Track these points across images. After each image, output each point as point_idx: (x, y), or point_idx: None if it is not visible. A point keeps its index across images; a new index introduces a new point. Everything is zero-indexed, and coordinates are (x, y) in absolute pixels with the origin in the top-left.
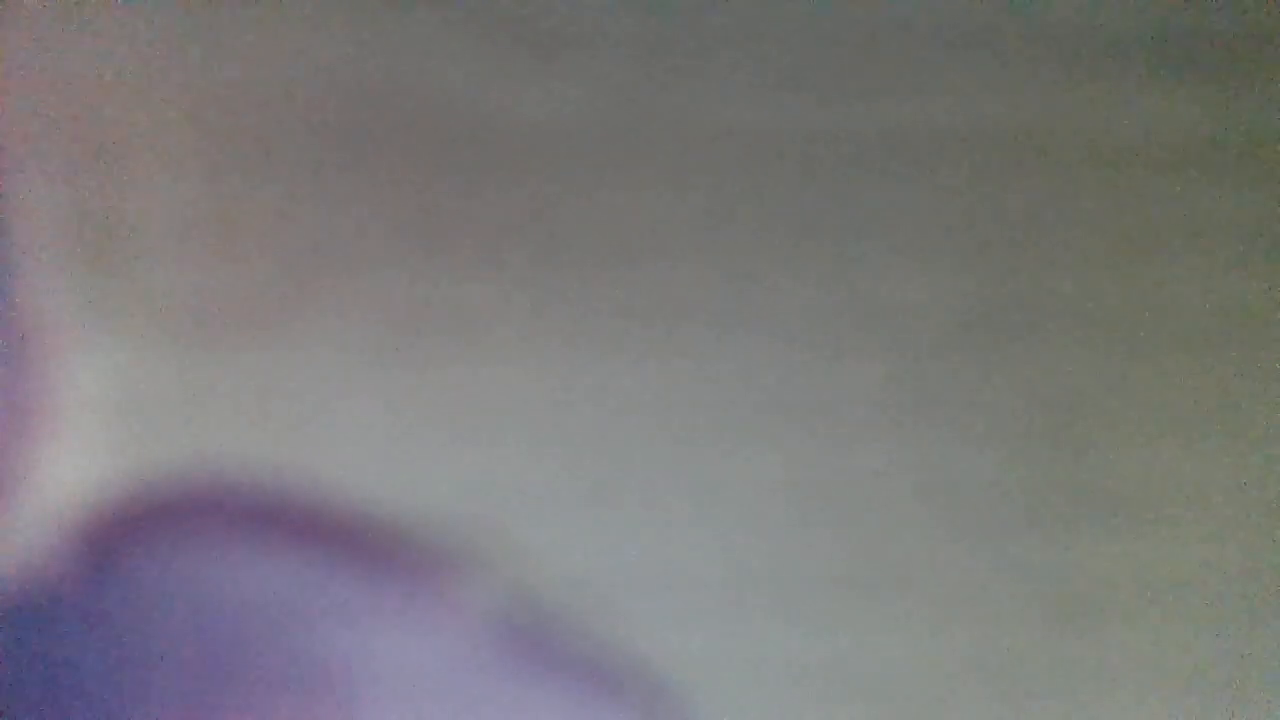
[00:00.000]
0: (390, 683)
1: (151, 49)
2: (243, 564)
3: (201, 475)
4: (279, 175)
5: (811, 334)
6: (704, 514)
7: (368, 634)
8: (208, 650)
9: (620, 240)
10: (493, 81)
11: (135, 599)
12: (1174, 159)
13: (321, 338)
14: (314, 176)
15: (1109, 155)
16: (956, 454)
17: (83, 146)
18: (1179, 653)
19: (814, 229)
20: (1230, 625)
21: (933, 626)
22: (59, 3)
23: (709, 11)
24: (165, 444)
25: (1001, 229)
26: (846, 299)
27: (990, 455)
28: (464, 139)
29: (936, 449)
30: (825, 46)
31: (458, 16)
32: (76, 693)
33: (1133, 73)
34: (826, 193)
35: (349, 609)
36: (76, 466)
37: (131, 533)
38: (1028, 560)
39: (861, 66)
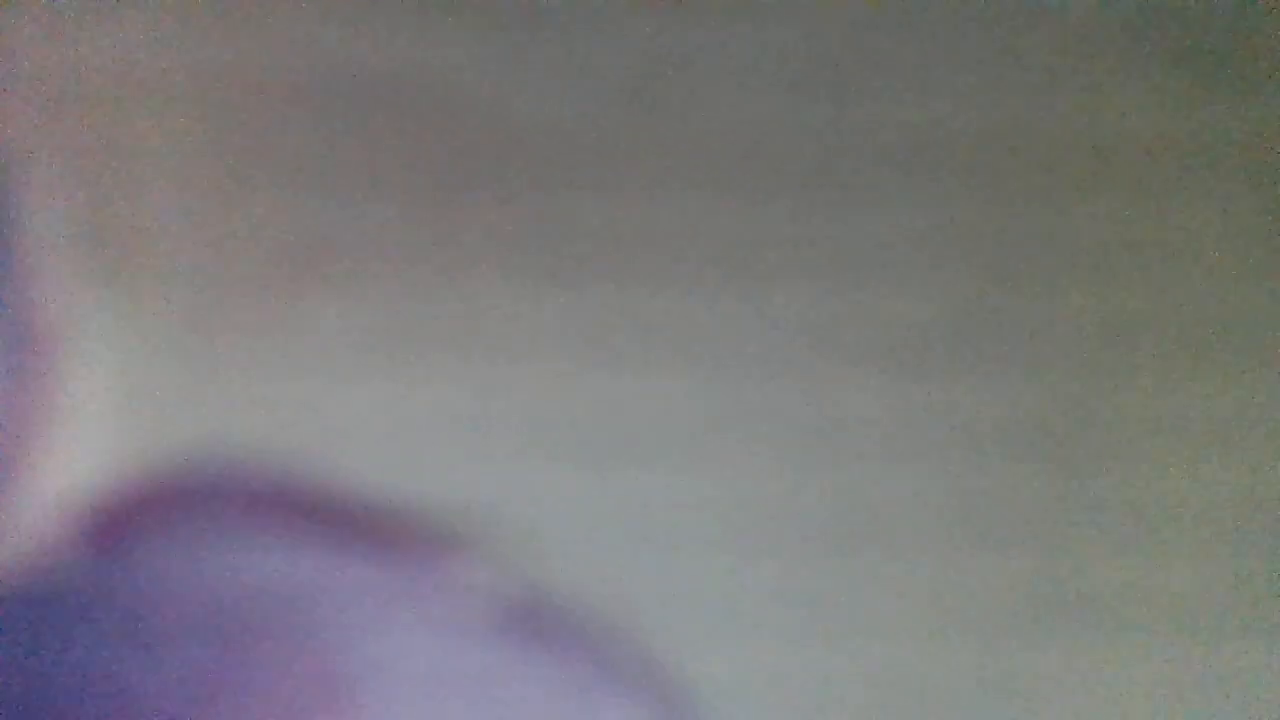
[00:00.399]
0: (397, 669)
1: (151, 46)
2: (247, 553)
3: (205, 464)
4: (282, 168)
5: (811, 331)
6: (708, 502)
7: (374, 621)
8: (212, 638)
9: (623, 234)
10: (496, 77)
11: (139, 588)
12: (1178, 163)
13: (326, 327)
14: (317, 170)
15: (1115, 161)
16: (956, 464)
17: (84, 141)
18: (1176, 666)
19: (817, 228)
20: (1229, 639)
21: (930, 638)
22: (59, 3)
23: (713, 10)
24: (169, 433)
25: (1003, 233)
26: (847, 302)
27: (989, 465)
28: (468, 134)
29: (937, 459)
30: (829, 46)
31: (461, 12)
32: (82, 683)
33: (1135, 76)
34: (831, 192)
35: (354, 597)
36: (80, 456)
37: (135, 522)
38: (1027, 573)
39: (863, 67)
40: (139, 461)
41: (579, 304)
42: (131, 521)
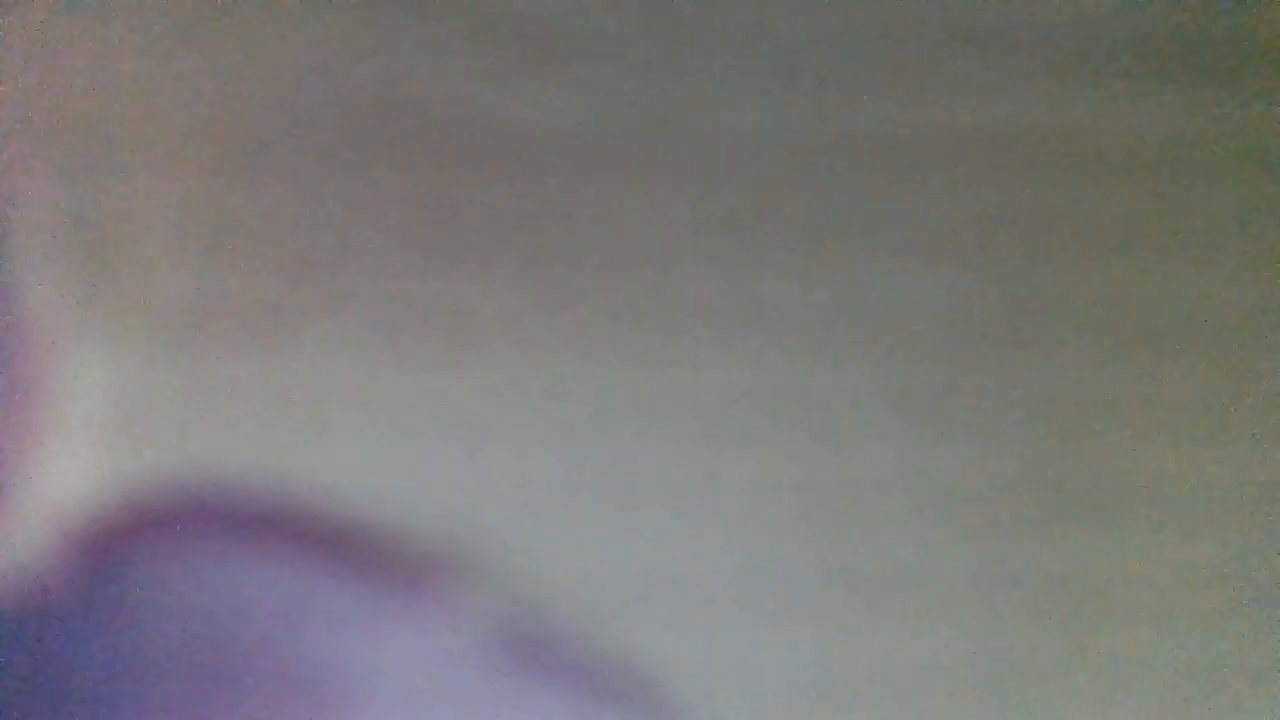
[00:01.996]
0: (389, 688)
1: (151, 49)
2: (241, 568)
3: (199, 479)
4: (278, 177)
5: (808, 335)
6: (703, 518)
7: (366, 639)
8: (205, 655)
9: (620, 243)
10: (492, 83)
11: (133, 603)
12: (1172, 160)
13: (321, 342)
14: (313, 179)
15: (1108, 157)
16: (953, 455)
17: (82, 148)
18: (1173, 653)
19: (813, 230)
20: (1225, 625)
21: (929, 628)
22: (59, 3)
23: (710, 12)
24: (163, 448)
25: (1000, 230)
26: (843, 300)
27: (986, 456)
28: (464, 141)
29: (933, 450)
30: (826, 48)
31: (457, 17)
32: (75, 697)
33: (1132, 75)
34: (826, 194)
35: (347, 614)
36: (75, 470)
37: (130, 537)
38: (1023, 561)
39: (861, 68)
40: (131, 480)
41: (580, 326)
42: (123, 539)
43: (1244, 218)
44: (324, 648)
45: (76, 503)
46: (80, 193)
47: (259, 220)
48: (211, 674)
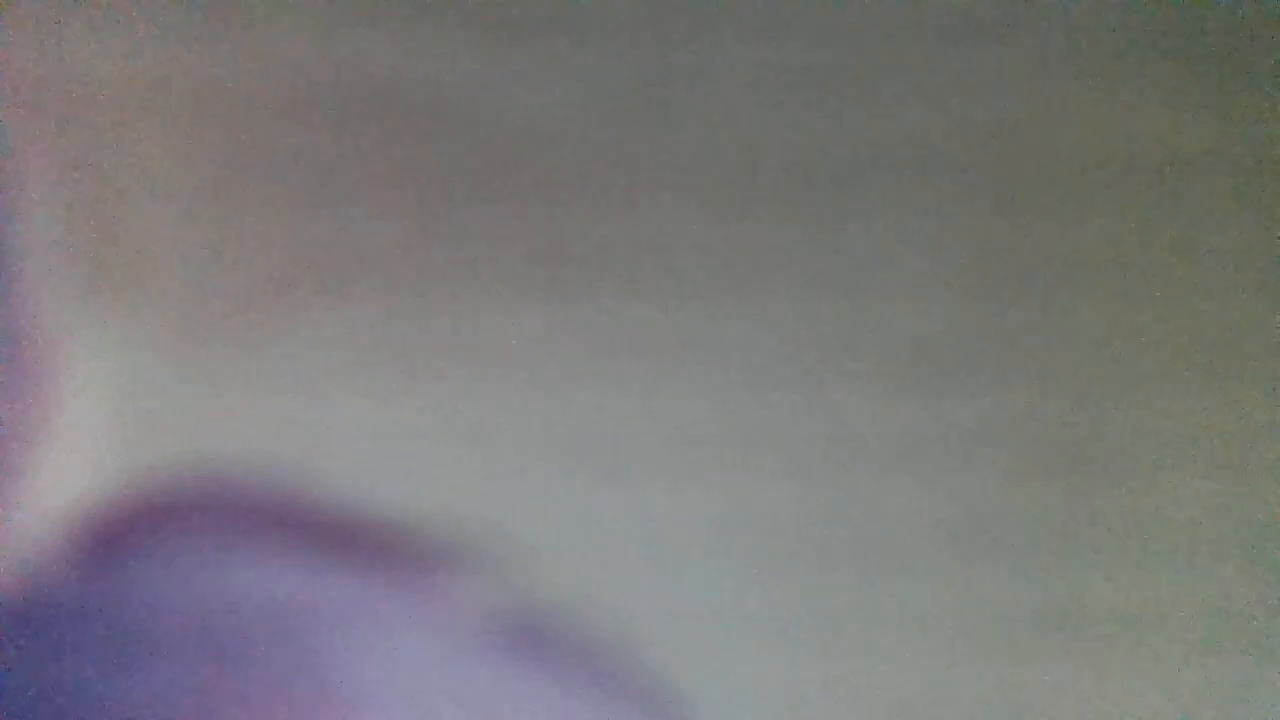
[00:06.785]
0: (390, 682)
1: (151, 48)
2: (242, 563)
3: (201, 474)
4: (279, 174)
5: (818, 340)
6: (703, 514)
7: (367, 633)
8: (206, 649)
9: (620, 240)
10: (494, 81)
11: (134, 598)
12: (1178, 168)
13: (321, 337)
14: (314, 176)
15: (1115, 164)
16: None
17: (82, 146)
18: (1177, 677)
19: (816, 230)
20: (1229, 649)
21: (932, 650)
22: (59, 3)
23: (710, 11)
24: (165, 443)
25: (1004, 236)
26: (848, 305)
27: (993, 474)
28: (465, 138)
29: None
30: (826, 46)
31: (458, 16)
32: (75, 693)
33: (1139, 80)
34: (828, 195)
35: (348, 608)
36: (75, 466)
37: (130, 532)
38: (1028, 581)
39: (862, 68)
40: (133, 475)
41: (577, 315)
42: (125, 535)
43: (1251, 230)
44: (326, 641)
45: (79, 497)
46: (80, 190)
47: (260, 216)
48: (212, 668)
